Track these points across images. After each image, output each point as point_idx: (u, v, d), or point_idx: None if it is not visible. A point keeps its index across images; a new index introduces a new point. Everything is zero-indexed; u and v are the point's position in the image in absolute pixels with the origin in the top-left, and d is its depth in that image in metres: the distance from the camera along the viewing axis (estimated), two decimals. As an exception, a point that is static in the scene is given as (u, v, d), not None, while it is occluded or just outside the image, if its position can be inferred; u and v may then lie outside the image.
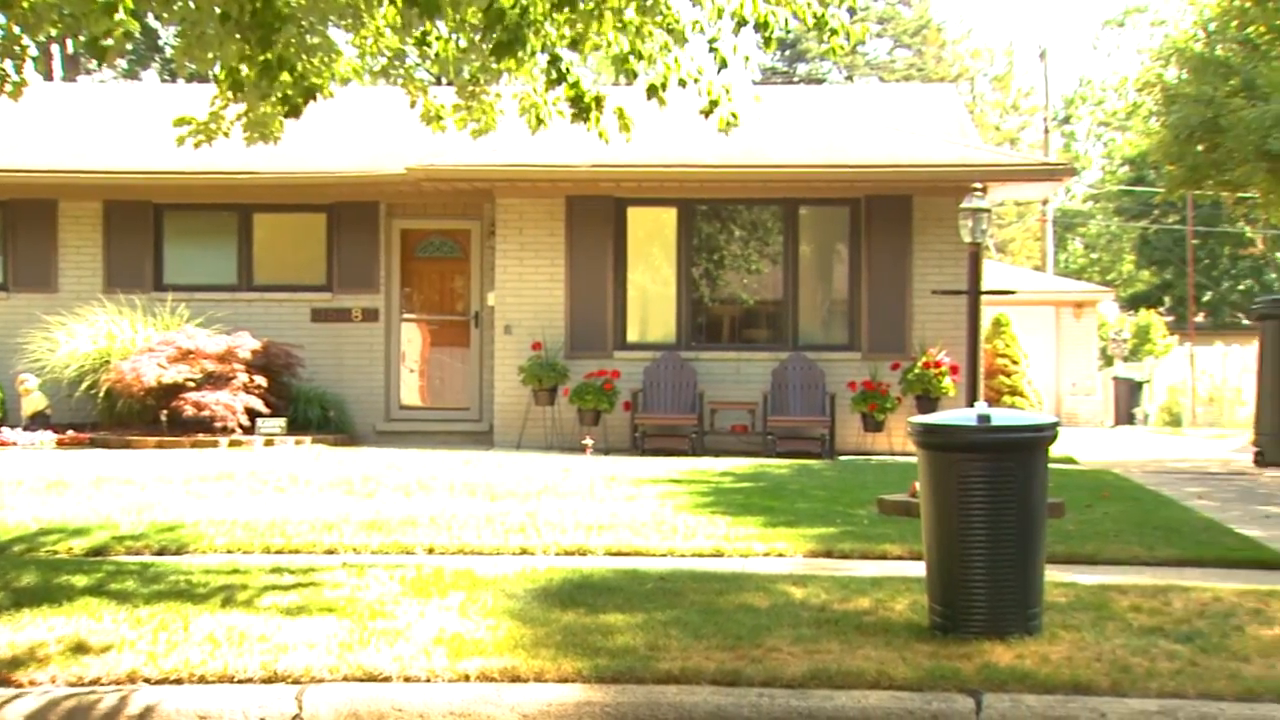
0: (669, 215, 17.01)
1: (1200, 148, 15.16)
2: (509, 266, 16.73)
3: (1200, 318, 43.49)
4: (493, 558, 7.82)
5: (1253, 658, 5.43)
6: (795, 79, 49.98)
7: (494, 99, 8.01)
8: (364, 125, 18.65)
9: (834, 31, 6.94)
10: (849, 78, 50.73)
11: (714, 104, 6.87)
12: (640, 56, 6.60)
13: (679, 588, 6.66)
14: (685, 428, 15.96)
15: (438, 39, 7.07)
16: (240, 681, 5.17)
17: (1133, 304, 48.25)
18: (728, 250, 17.21)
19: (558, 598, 6.42)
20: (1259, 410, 7.29)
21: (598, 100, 6.71)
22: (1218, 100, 14.70)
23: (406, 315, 17.70)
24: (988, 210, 10.78)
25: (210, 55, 6.71)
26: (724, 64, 6.90)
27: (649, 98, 6.81)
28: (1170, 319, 44.91)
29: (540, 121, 7.36)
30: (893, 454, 15.93)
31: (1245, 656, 5.45)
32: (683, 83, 6.78)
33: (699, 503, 10.36)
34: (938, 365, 15.80)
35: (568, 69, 6.57)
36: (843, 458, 15.59)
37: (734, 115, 6.94)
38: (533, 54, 6.41)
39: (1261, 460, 7.10)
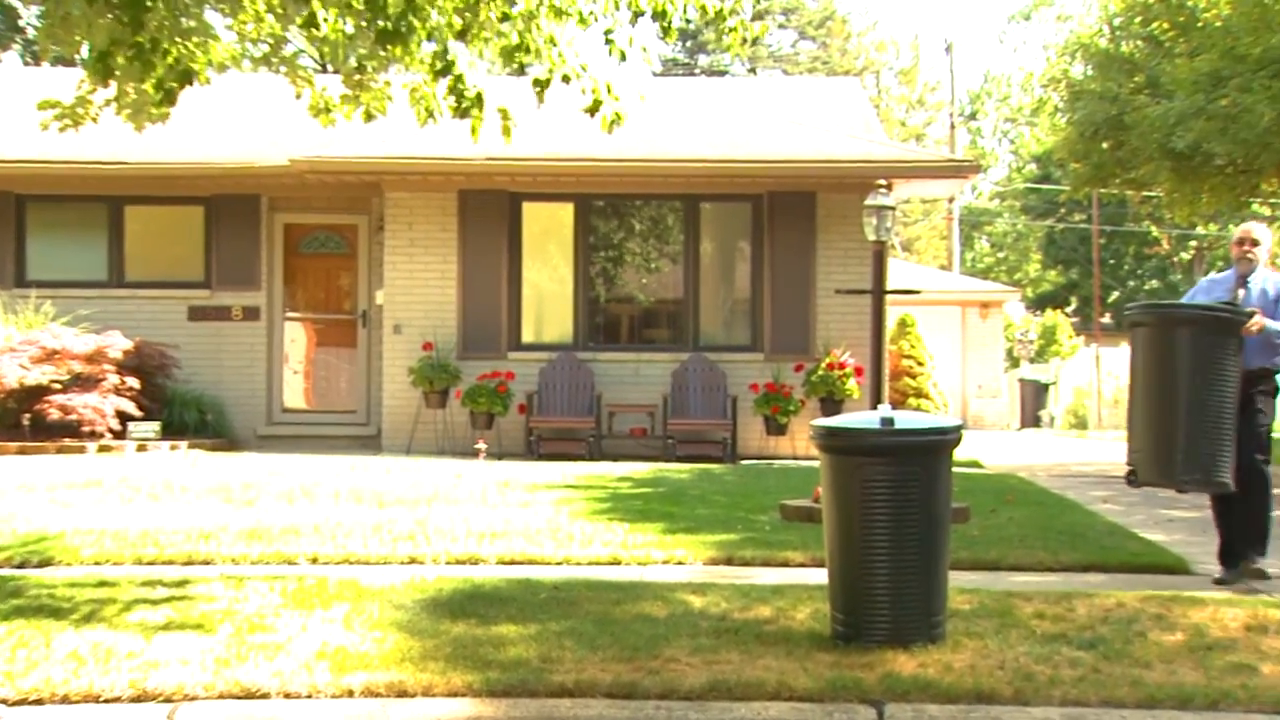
0: (566, 211, 16.99)
1: (1105, 145, 15.53)
2: (398, 263, 16.59)
3: (1106, 318, 44.60)
4: (380, 567, 7.76)
5: (1154, 664, 5.59)
6: (696, 71, 50.26)
7: (383, 87, 7.93)
8: (245, 114, 18.36)
9: (731, 29, 6.99)
10: (752, 70, 51.13)
11: (597, 103, 6.87)
12: (528, 49, 6.57)
13: (574, 597, 6.66)
14: (582, 431, 15.95)
15: (325, 21, 6.98)
16: (107, 701, 5.06)
17: (1039, 304, 49.30)
18: (627, 247, 17.25)
19: (448, 608, 6.38)
20: (1130, 426, 7.20)
21: (479, 98, 6.67)
22: (1122, 97, 15.08)
23: (290, 314, 17.46)
24: (893, 208, 10.93)
25: (77, 37, 6.55)
26: (623, 57, 6.91)
27: (536, 93, 6.79)
28: (1076, 320, 45.99)
29: (430, 114, 7.30)
30: (796, 458, 16.07)
31: (1147, 663, 5.60)
32: (567, 79, 6.76)
33: (596, 509, 10.37)
34: (842, 367, 15.98)
35: (453, 61, 6.52)
36: (745, 462, 15.70)
37: (618, 115, 6.93)
38: (419, 42, 6.35)
39: (1134, 481, 7.07)
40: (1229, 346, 7.12)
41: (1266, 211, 43.31)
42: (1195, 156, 13.38)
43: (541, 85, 6.75)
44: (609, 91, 6.89)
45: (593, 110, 6.92)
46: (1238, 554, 7.60)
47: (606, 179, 16.47)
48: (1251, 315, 7.28)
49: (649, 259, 17.24)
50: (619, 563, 8.07)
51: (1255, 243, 7.67)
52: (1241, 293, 7.62)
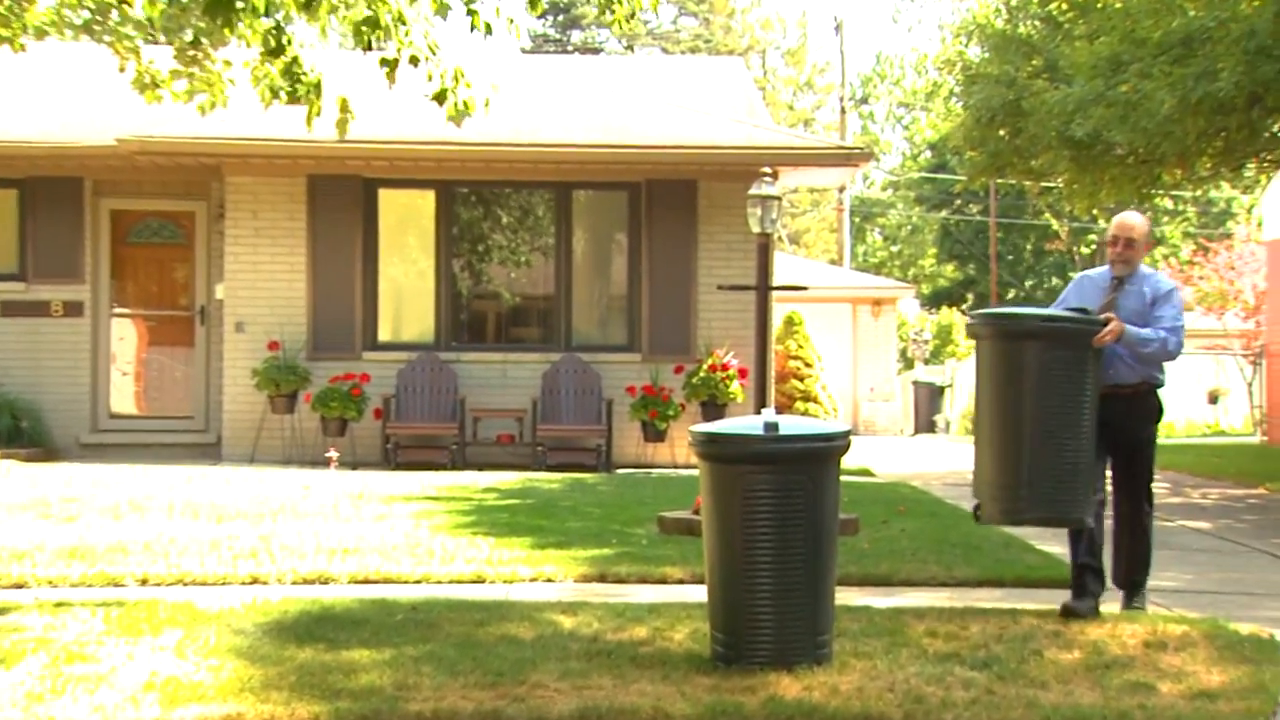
0: (426, 199, 16.87)
1: (1002, 132, 15.84)
2: (241, 255, 16.31)
3: (1004, 317, 45.43)
4: (219, 588, 7.62)
5: (1050, 684, 5.72)
6: (569, 48, 50.23)
7: (222, 67, 7.78)
8: (69, 89, 17.90)
9: (616, 2, 6.97)
10: (629, 48, 51.26)
11: (444, 90, 6.80)
12: (378, 25, 6.48)
13: (434, 618, 6.62)
14: (444, 438, 15.87)
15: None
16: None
17: (934, 301, 50.26)
18: (494, 239, 17.18)
19: (294, 632, 6.30)
20: (977, 453, 6.70)
21: (317, 85, 6.57)
22: (1020, 81, 15.40)
23: (118, 310, 17.06)
24: (778, 197, 11.04)
25: None
26: (488, 30, 6.86)
27: (385, 74, 6.70)
28: (967, 318, 46.95)
29: (275, 94, 7.18)
30: (676, 466, 16.14)
31: (1043, 683, 5.73)
32: (415, 61, 6.69)
33: (459, 522, 10.33)
34: (725, 368, 16.11)
35: (288, 40, 6.41)
36: (621, 471, 15.74)
37: (467, 104, 6.88)
38: (256, 14, 6.22)
39: (979, 518, 6.93)
40: (1082, 363, 6.61)
41: (1169, 204, 44.78)
42: (1095, 145, 13.72)
43: (390, 66, 6.67)
44: (458, 78, 6.83)
45: (440, 98, 6.84)
46: (1097, 591, 6.99)
47: (471, 165, 16.38)
48: (1105, 324, 6.70)
49: (518, 252, 17.19)
50: (483, 580, 8.06)
51: (1130, 243, 7.08)
52: (1113, 299, 7.04)
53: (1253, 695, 5.57)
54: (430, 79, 6.81)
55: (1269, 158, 15.46)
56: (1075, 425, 6.59)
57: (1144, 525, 7.23)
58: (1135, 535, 7.20)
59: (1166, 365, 7.17)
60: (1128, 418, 7.01)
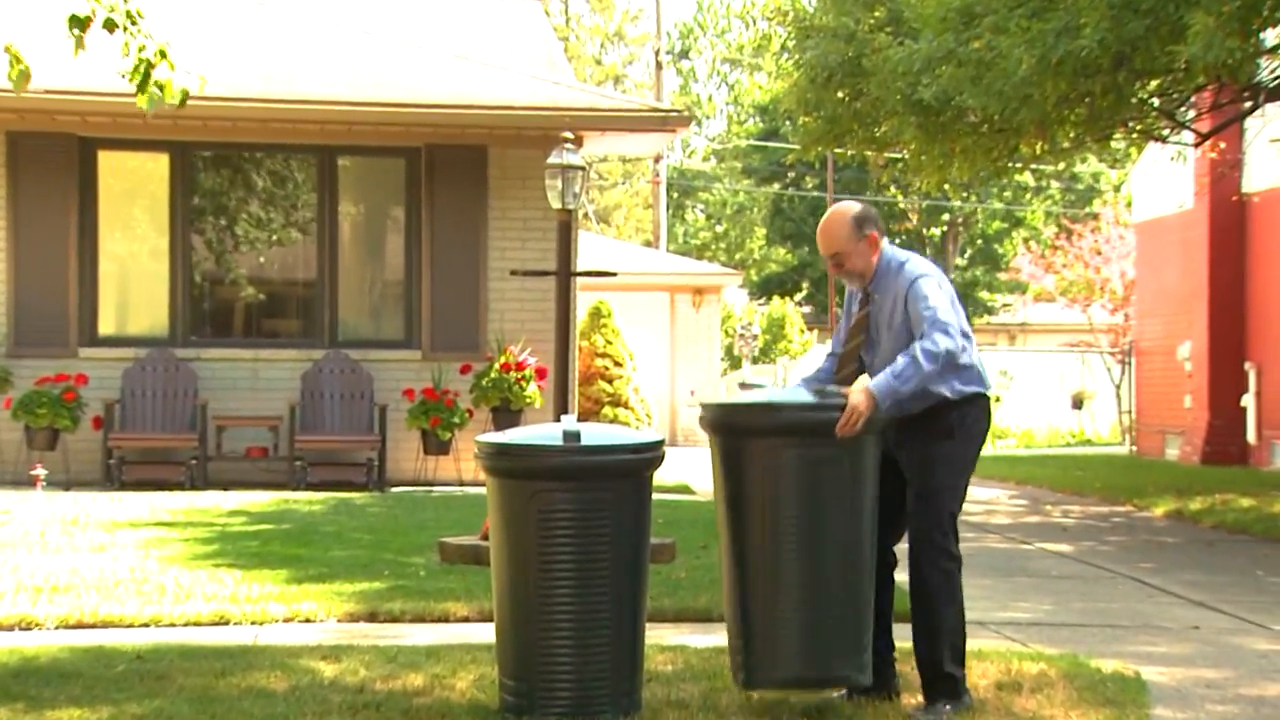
0: (159, 164, 16.53)
1: (841, 94, 16.05)
2: (-74, 227, 15.78)
3: (844, 308, 46.38)
4: (-107, 640, 7.36)
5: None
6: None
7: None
8: None
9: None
10: (409, -13, 50.93)
11: (141, 67, 6.61)
12: None
13: (164, 669, 6.51)
14: (181, 452, 15.62)
15: None
16: None
17: (765, 290, 50.97)
18: (243, 213, 16.92)
19: (-11, 691, 6.11)
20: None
21: None
22: (860, 35, 15.61)
23: None
24: (583, 168, 11.07)
25: None
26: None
27: (75, 39, 6.51)
28: (808, 309, 47.83)
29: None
30: (462, 484, 16.12)
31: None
32: (111, 26, 6.51)
33: (198, 552, 10.22)
34: (520, 368, 16.11)
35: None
36: (396, 489, 15.67)
37: (164, 89, 6.70)
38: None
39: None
40: (836, 464, 5.83)
41: (1030, 181, 46.21)
42: (945, 110, 13.99)
43: (80, 26, 6.49)
44: (162, 55, 6.67)
45: (139, 79, 6.66)
46: (889, 673, 6.34)
47: (214, 123, 16.06)
48: (840, 408, 5.81)
49: (273, 229, 16.97)
50: (227, 622, 7.97)
51: (837, 260, 6.31)
52: (864, 316, 6.33)
53: (1117, 740, 5.77)
54: (126, 53, 6.63)
55: (1138, 127, 16.00)
56: (828, 548, 5.81)
57: (934, 585, 6.18)
58: (920, 601, 6.21)
59: (981, 366, 6.33)
60: (912, 440, 6.20)
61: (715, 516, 6.15)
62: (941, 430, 6.20)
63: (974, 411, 6.27)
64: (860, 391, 5.84)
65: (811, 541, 5.80)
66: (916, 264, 6.30)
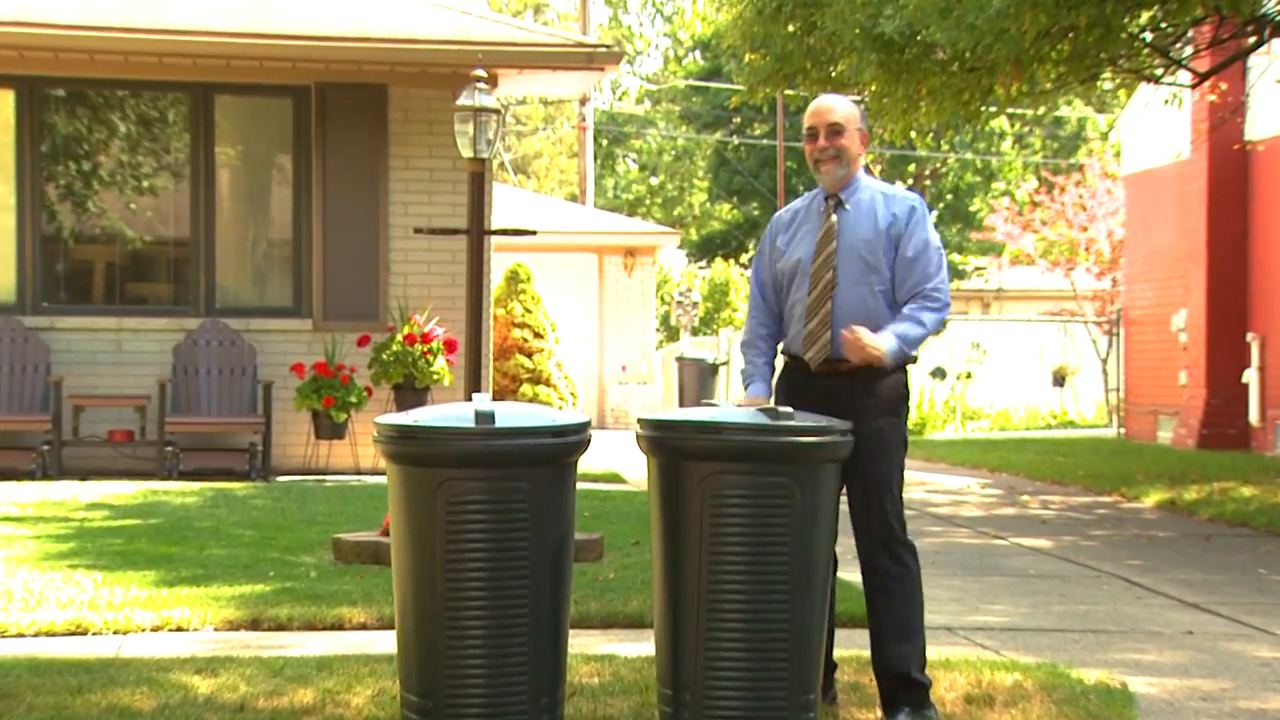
0: (3, 103, 16.35)
1: (792, 28, 16.09)
2: None
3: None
4: None
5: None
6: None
7: None
8: None
9: None
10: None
11: None
12: None
13: (11, 686, 6.48)
14: (30, 435, 15.57)
15: None
16: None
17: (706, 251, 51.10)
18: (105, 160, 16.79)
19: None
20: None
21: None
22: (814, -38, 15.66)
23: None
24: (498, 111, 11.04)
25: None
26: None
27: None
28: (747, 272, 47.93)
29: None
30: (359, 472, 16.12)
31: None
32: None
33: (51, 552, 10.17)
34: (426, 339, 16.07)
35: None
36: (283, 478, 15.65)
37: None
38: None
39: None
40: (785, 492, 5.77)
41: (1006, 126, 46.41)
42: (910, 46, 14.04)
43: None
44: None
45: None
46: (831, 678, 6.55)
47: (69, 56, 15.91)
48: (795, 431, 5.81)
49: (140, 179, 16.86)
50: (86, 631, 7.93)
51: (835, 130, 6.39)
52: (834, 222, 6.39)
53: (1101, 759, 5.83)
54: None
55: (1128, 66, 16.08)
56: (774, 587, 5.77)
57: (902, 584, 6.32)
58: (886, 602, 6.32)
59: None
60: (859, 414, 6.17)
61: (648, 511, 6.15)
62: (890, 402, 6.35)
63: (908, 381, 6.48)
64: (888, 337, 6.17)
65: (756, 578, 5.79)
66: (902, 190, 6.54)
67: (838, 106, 6.45)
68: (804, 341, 6.38)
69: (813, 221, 6.45)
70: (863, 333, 6.17)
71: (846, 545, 6.34)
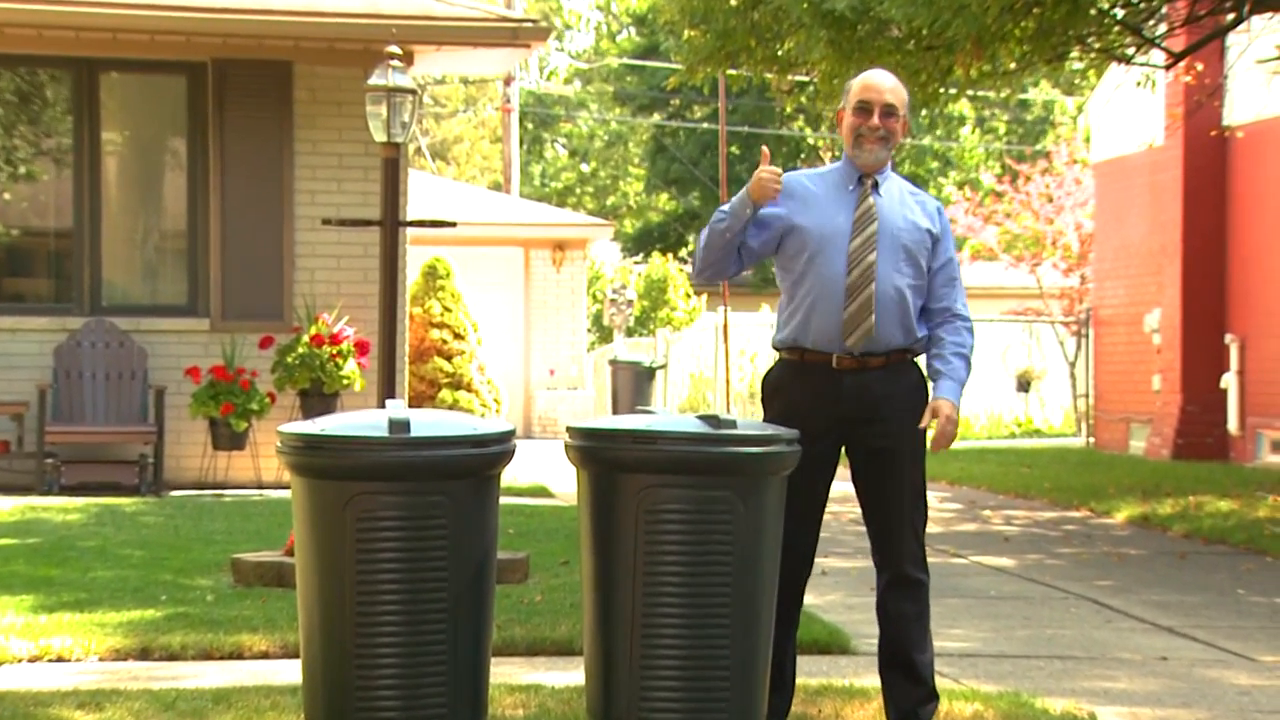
0: None
1: (735, 2, 16.13)
2: None
3: (739, 267, 46.57)
4: None
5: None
6: None
7: None
8: None
9: None
10: None
11: None
12: None
13: None
14: (-98, 448, 15.39)
15: None
16: None
17: (642, 245, 51.13)
18: (-21, 143, 16.69)
19: None
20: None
21: None
22: (759, -73, 15.70)
23: None
24: (414, 91, 11.03)
25: None
26: None
27: None
28: (687, 267, 47.98)
29: None
30: (262, 486, 16.08)
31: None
32: None
33: (-81, 575, 10.11)
34: (336, 340, 16.02)
35: None
36: (177, 493, 15.59)
37: None
38: None
39: None
40: (726, 504, 5.82)
41: (967, 111, 46.65)
42: (862, 22, 14.10)
43: None
44: None
45: None
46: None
47: (-62, 27, 15.82)
48: (739, 440, 5.90)
49: (16, 164, 16.76)
50: (-45, 663, 7.90)
51: (890, 112, 6.44)
52: (872, 203, 6.43)
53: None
54: None
55: (1097, 45, 16.17)
56: (715, 607, 5.81)
57: (927, 615, 6.53)
58: (918, 637, 6.47)
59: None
60: (890, 413, 6.39)
61: (578, 528, 6.16)
62: (923, 396, 6.50)
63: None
64: (948, 404, 6.37)
65: (695, 600, 5.82)
66: (926, 192, 6.71)
67: (896, 87, 6.48)
68: (844, 326, 6.32)
69: (837, 197, 6.46)
70: (950, 413, 6.38)
71: (826, 564, 6.34)
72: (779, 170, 6.28)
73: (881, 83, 6.45)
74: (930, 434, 6.39)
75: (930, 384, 6.49)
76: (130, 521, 13.04)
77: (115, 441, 15.90)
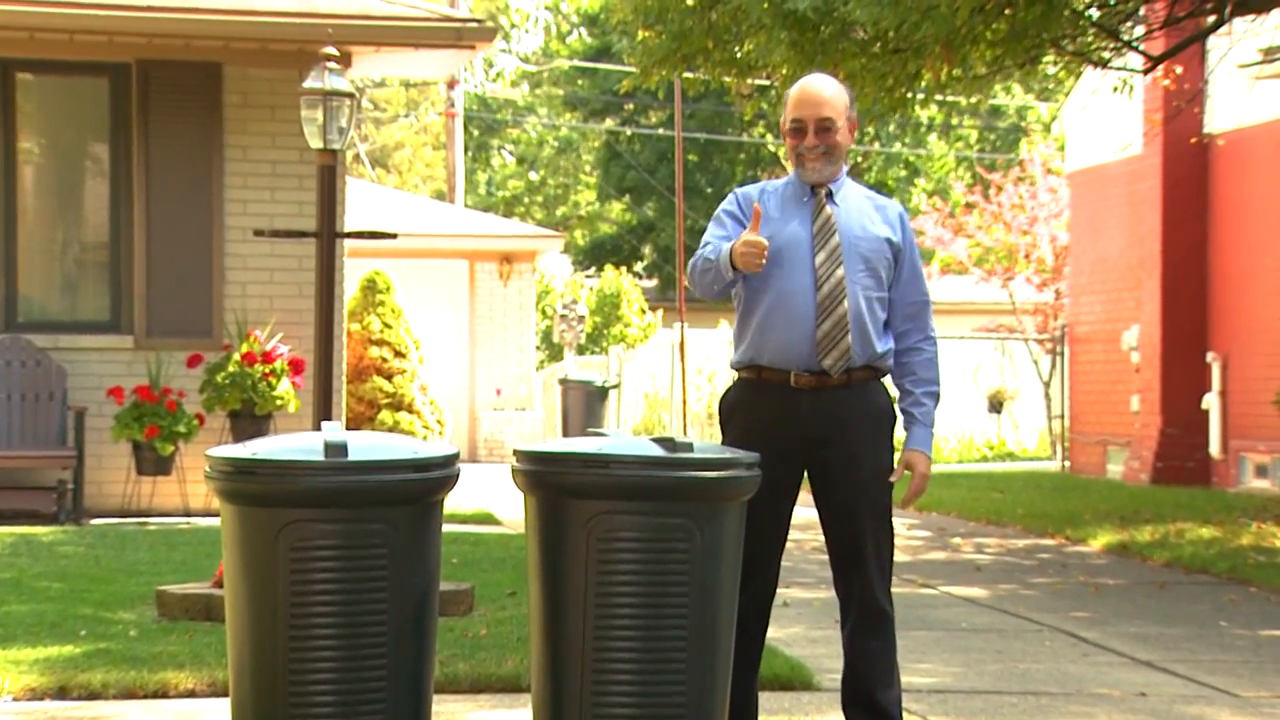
0: None
1: (691, 2, 16.16)
2: None
3: (695, 282, 46.61)
4: None
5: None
6: None
7: None
8: None
9: None
10: None
11: None
12: None
13: None
14: None
15: None
16: None
17: (594, 257, 51.12)
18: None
19: None
20: None
21: None
22: (716, -76, 15.74)
23: None
24: (352, 95, 11.02)
25: None
26: None
27: None
28: (652, 283, 48.02)
29: None
30: (189, 514, 16.01)
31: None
32: None
33: None
34: (268, 359, 15.98)
35: None
36: (98, 521, 15.54)
37: None
38: None
39: None
40: (683, 531, 5.83)
41: (936, 117, 46.78)
42: (826, 24, 14.14)
43: None
44: None
45: None
46: None
47: None
48: (696, 465, 5.87)
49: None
50: None
51: (824, 126, 6.38)
52: (830, 213, 6.45)
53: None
54: None
55: (1072, 48, 16.25)
56: (669, 639, 5.83)
57: (893, 650, 6.53)
58: (886, 673, 6.47)
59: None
60: (854, 434, 6.39)
61: (526, 558, 6.15)
62: (890, 415, 6.54)
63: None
64: (923, 459, 6.45)
65: (649, 633, 5.83)
66: (887, 198, 6.72)
67: (828, 95, 6.41)
68: (818, 346, 6.30)
69: (794, 210, 6.45)
70: (925, 470, 6.50)
71: (788, 595, 6.35)
72: (764, 243, 6.20)
73: (811, 94, 6.42)
74: (900, 480, 6.48)
75: (899, 416, 6.54)
76: (48, 552, 12.97)
77: (32, 466, 15.80)
